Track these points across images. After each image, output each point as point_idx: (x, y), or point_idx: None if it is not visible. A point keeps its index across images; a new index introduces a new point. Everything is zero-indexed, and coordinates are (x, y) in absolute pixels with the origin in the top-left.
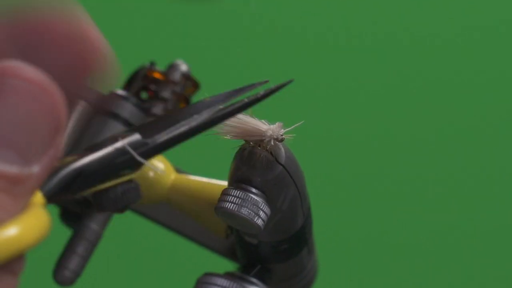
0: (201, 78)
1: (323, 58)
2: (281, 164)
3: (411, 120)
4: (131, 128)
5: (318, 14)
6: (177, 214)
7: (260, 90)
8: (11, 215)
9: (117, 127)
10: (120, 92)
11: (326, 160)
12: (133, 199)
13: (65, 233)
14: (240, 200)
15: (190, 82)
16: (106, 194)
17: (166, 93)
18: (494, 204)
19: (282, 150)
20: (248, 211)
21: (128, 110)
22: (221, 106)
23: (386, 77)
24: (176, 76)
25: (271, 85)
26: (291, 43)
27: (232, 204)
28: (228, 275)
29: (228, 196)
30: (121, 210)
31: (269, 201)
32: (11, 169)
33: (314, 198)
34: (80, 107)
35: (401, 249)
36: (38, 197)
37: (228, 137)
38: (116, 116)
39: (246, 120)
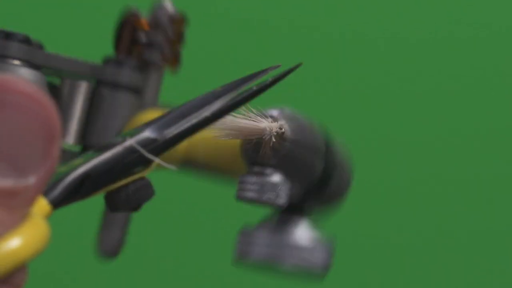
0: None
1: (323, 58)
2: (290, 141)
3: (411, 121)
4: (138, 127)
5: (320, 13)
6: None
7: (269, 77)
8: (7, 228)
9: (123, 97)
10: (113, 57)
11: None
12: (146, 197)
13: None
14: (258, 186)
15: (179, 20)
16: (118, 194)
17: (158, 39)
18: (495, 204)
19: (288, 129)
20: (268, 196)
21: (127, 75)
22: (231, 95)
23: (387, 78)
24: (164, 20)
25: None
26: (292, 42)
27: (252, 192)
28: None
29: (247, 184)
30: (135, 208)
31: (287, 174)
32: (5, 182)
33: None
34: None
35: (401, 249)
36: (43, 205)
37: (227, 138)
38: (118, 86)
39: (242, 120)
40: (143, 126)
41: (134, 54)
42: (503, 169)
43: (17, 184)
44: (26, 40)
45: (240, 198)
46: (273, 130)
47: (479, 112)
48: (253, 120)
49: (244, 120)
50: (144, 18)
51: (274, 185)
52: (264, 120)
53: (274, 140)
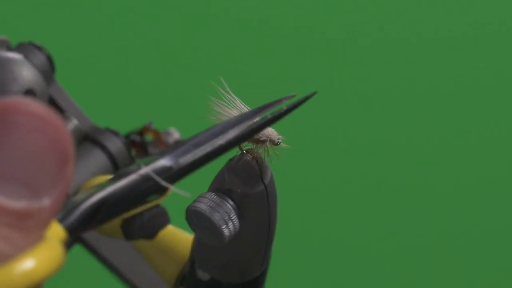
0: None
1: (321, 58)
2: (264, 184)
3: (411, 121)
4: (155, 153)
5: (318, 14)
6: (128, 254)
7: (284, 105)
8: (20, 250)
9: (100, 157)
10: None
11: (326, 161)
12: (161, 224)
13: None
14: (215, 204)
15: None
16: (133, 222)
17: (154, 150)
18: (494, 205)
19: (269, 171)
20: (219, 217)
21: (116, 145)
22: (247, 124)
23: (387, 78)
24: (169, 140)
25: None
26: (291, 42)
27: (206, 206)
28: None
29: (204, 199)
30: (151, 236)
31: (240, 217)
32: (18, 204)
33: (314, 199)
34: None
35: (400, 250)
36: (58, 230)
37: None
38: (103, 147)
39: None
40: (159, 155)
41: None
42: (503, 169)
43: (30, 205)
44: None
45: (191, 208)
46: (271, 136)
47: (478, 112)
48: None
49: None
50: (153, 130)
51: (230, 211)
52: (262, 112)
53: (268, 145)
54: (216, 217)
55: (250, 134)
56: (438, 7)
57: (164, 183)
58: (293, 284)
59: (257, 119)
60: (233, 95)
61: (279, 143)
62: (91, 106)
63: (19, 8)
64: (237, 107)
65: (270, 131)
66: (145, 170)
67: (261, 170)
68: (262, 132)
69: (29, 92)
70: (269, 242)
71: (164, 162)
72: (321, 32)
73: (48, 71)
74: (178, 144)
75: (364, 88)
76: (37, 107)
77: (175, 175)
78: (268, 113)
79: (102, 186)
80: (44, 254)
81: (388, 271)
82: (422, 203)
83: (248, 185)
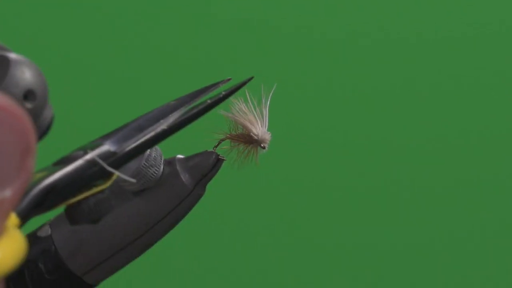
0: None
1: (322, 58)
2: (200, 191)
3: (411, 121)
4: (97, 138)
5: (316, 14)
6: None
7: (222, 90)
8: None
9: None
10: None
11: (326, 161)
12: (106, 209)
13: None
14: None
15: None
16: (79, 207)
17: None
18: (494, 205)
19: (204, 189)
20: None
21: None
22: (185, 109)
23: (387, 78)
24: None
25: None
26: (291, 42)
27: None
28: None
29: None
30: (95, 221)
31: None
32: None
33: (313, 199)
34: None
35: (400, 250)
36: (12, 218)
37: (230, 118)
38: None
39: (252, 115)
40: (102, 138)
41: None
42: (503, 169)
43: None
44: None
45: None
46: (260, 138)
47: (478, 112)
48: (254, 122)
49: (253, 116)
50: None
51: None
52: (262, 127)
53: (251, 145)
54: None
55: (191, 119)
56: (438, 7)
57: (109, 169)
58: (293, 284)
59: (196, 102)
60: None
61: (265, 148)
62: (91, 107)
63: (19, 8)
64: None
65: (267, 135)
66: (91, 155)
67: (208, 177)
68: (256, 132)
69: (29, 93)
70: (128, 249)
71: (108, 147)
72: (321, 32)
73: None
74: (120, 127)
75: (364, 88)
76: (1, 99)
77: (119, 160)
78: (206, 98)
79: (49, 172)
80: (9, 246)
81: (387, 271)
82: (421, 203)
83: (190, 179)
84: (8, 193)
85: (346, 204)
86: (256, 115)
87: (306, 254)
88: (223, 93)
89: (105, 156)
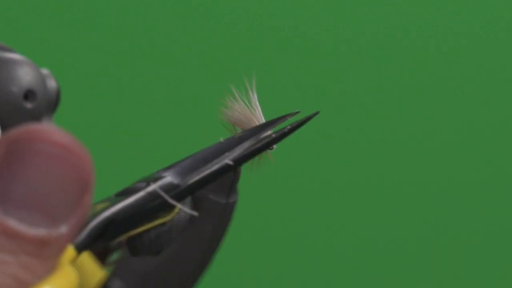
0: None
1: (322, 58)
2: (229, 200)
3: (411, 121)
4: (160, 170)
5: (314, 15)
6: None
7: (288, 123)
8: (39, 277)
9: None
10: None
11: (326, 161)
12: (167, 242)
13: None
14: None
15: None
16: (140, 239)
17: None
18: (494, 205)
19: (237, 193)
20: None
21: None
22: (252, 142)
23: (387, 77)
24: None
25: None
26: (291, 42)
27: None
28: None
29: None
30: (156, 253)
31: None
32: (38, 232)
33: (313, 199)
34: None
35: (400, 250)
36: (69, 250)
37: (230, 120)
38: None
39: (253, 114)
40: (165, 170)
41: None
42: (503, 169)
43: (50, 233)
44: None
45: None
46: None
47: (479, 112)
48: (252, 117)
49: (254, 116)
50: None
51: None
52: (267, 130)
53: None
54: None
55: (256, 153)
56: (438, 7)
57: (171, 201)
58: (293, 284)
59: (262, 136)
60: (252, 97)
61: (272, 148)
62: (92, 107)
63: (19, 8)
64: (252, 110)
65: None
66: (153, 187)
67: (234, 182)
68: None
69: (29, 93)
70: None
71: (171, 179)
72: (321, 32)
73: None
74: (183, 159)
75: (364, 88)
76: (60, 135)
77: (181, 193)
78: (272, 131)
79: (110, 203)
80: (61, 282)
81: (387, 271)
82: (422, 203)
83: (218, 192)
84: (63, 229)
85: (346, 204)
86: (250, 111)
87: (306, 254)
88: (289, 127)
89: (168, 189)
